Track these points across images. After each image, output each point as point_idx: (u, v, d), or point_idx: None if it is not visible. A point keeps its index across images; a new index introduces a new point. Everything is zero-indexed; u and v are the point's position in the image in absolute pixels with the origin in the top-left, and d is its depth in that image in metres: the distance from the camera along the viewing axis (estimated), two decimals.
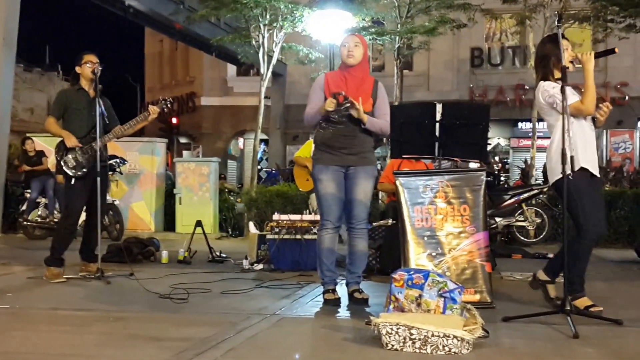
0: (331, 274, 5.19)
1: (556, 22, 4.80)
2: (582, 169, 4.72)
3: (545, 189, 10.05)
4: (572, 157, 4.38)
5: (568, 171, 4.37)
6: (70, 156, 6.29)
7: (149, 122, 6.69)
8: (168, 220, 12.48)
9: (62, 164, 6.29)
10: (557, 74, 4.73)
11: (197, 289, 5.69)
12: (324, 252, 5.14)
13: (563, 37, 4.70)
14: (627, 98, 22.27)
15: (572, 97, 4.73)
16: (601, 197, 4.93)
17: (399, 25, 13.21)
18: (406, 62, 20.13)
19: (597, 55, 4.68)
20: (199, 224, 8.17)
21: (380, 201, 10.73)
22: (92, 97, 6.38)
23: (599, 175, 4.78)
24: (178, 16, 15.57)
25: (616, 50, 4.81)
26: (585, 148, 4.75)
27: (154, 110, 6.43)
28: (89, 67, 6.36)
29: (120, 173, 11.02)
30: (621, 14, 12.27)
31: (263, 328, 4.30)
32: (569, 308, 4.29)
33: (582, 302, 4.80)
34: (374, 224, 7.48)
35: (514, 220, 10.02)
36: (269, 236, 7.25)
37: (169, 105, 6.82)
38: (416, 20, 13.98)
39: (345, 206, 5.12)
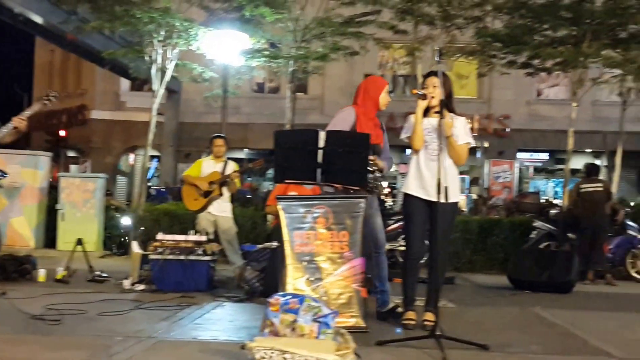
0: None
1: (437, 58, 5.07)
2: (409, 195, 5.30)
3: None
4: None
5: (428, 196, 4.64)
6: None
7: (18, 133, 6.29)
8: (50, 237, 12.01)
9: None
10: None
11: (73, 309, 5.52)
12: None
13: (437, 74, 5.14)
14: (508, 130, 23.34)
15: (408, 131, 5.37)
16: (443, 222, 4.98)
17: (293, 50, 13.35)
18: (301, 85, 20.34)
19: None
20: (79, 242, 7.94)
21: (267, 223, 10.75)
22: None
23: (442, 201, 4.71)
24: (69, 26, 15.12)
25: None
26: (415, 176, 5.30)
27: (17, 122, 6.10)
28: None
29: (0, 186, 10.53)
30: (503, 51, 12.87)
31: (137, 352, 4.22)
32: (439, 333, 4.46)
33: (409, 315, 5.30)
34: (259, 246, 7.50)
35: (397, 244, 10.28)
36: (152, 256, 7.13)
37: (52, 100, 6.52)
38: (312, 45, 14.17)
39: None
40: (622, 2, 11.47)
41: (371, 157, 5.33)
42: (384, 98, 5.60)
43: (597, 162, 13.33)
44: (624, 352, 4.70)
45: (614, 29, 11.92)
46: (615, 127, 13.60)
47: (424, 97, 5.22)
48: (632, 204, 12.34)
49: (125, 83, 26.16)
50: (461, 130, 5.29)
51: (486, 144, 23.17)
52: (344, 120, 5.49)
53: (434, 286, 5.25)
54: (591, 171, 10.22)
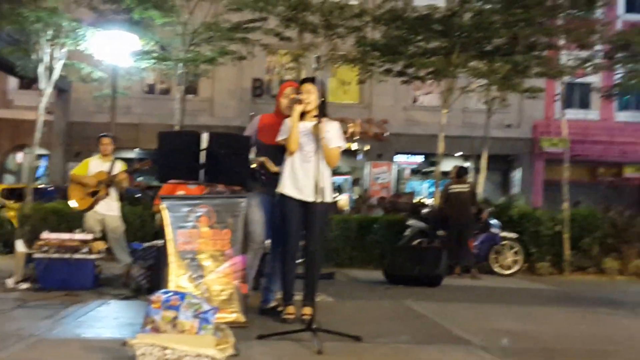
0: None
1: (314, 65, 5.16)
2: (284, 195, 5.27)
3: None
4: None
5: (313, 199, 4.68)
6: None
7: None
8: None
9: None
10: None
11: None
12: None
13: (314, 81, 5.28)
14: (387, 134, 23.89)
15: (284, 134, 5.33)
16: (319, 220, 5.07)
17: (182, 53, 13.14)
18: (192, 87, 20.02)
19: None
20: None
21: (156, 221, 10.53)
22: None
23: (317, 201, 4.87)
24: None
25: None
26: (290, 177, 5.27)
27: None
28: None
29: None
30: (381, 59, 13.19)
31: (16, 350, 4.04)
32: (316, 326, 4.53)
33: (288, 310, 5.31)
34: (145, 244, 7.35)
35: None
36: (36, 255, 6.85)
37: None
38: (200, 48, 13.99)
39: None
40: (487, 17, 12.04)
41: (261, 159, 5.32)
42: (281, 102, 5.63)
43: (466, 164, 13.86)
44: (482, 340, 4.93)
45: (481, 42, 12.50)
46: (482, 133, 14.22)
47: (299, 102, 5.29)
48: (495, 203, 12.92)
49: (13, 81, 24.85)
50: (334, 134, 5.35)
51: (367, 147, 23.65)
52: (250, 127, 5.71)
53: (311, 282, 5.31)
54: (460, 173, 10.59)
